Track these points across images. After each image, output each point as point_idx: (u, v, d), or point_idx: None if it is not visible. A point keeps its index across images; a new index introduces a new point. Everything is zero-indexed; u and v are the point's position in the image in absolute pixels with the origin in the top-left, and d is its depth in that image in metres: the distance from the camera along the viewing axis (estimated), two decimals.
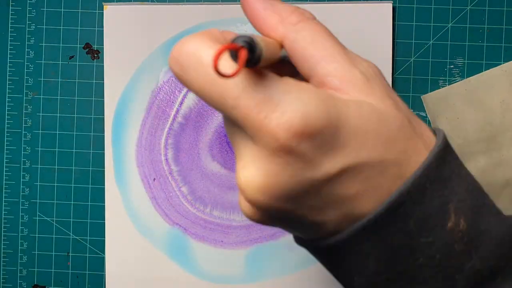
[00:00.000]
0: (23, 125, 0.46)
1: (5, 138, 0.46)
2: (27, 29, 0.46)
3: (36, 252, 0.46)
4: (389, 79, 0.44)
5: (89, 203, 0.46)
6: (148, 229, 0.45)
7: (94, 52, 0.46)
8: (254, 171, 0.19)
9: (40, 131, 0.46)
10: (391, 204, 0.19)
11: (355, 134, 0.19)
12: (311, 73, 0.20)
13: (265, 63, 0.19)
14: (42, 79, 0.46)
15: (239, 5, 0.45)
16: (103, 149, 0.46)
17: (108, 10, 0.45)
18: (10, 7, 0.46)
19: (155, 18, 0.45)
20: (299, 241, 0.24)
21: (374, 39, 0.44)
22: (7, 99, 0.46)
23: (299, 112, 0.18)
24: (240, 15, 0.45)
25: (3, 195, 0.46)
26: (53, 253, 0.46)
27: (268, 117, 0.18)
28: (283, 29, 0.21)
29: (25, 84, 0.46)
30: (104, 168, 0.45)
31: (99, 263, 0.46)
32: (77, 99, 0.46)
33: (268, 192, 0.19)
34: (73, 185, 0.46)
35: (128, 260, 0.45)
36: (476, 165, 0.44)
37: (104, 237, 0.46)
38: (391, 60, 0.44)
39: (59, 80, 0.46)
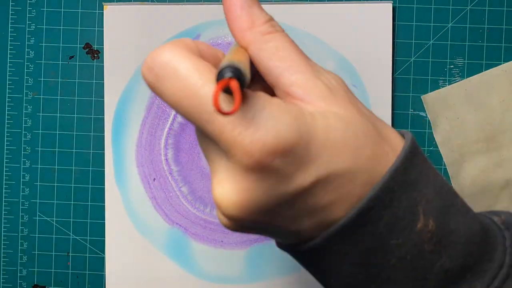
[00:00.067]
0: (23, 125, 0.46)
1: (5, 138, 0.46)
2: (27, 29, 0.46)
3: (36, 252, 0.46)
4: (389, 79, 0.44)
5: (89, 203, 0.46)
6: (148, 229, 0.45)
7: (94, 52, 0.46)
8: (228, 188, 0.19)
9: (40, 131, 0.46)
10: (361, 210, 0.20)
11: (324, 146, 0.19)
12: (275, 83, 0.21)
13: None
14: (42, 79, 0.46)
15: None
16: (103, 149, 0.46)
17: (108, 10, 0.45)
18: (10, 7, 0.46)
19: (155, 18, 0.45)
20: (279, 245, 0.25)
21: (374, 39, 0.44)
22: (7, 99, 0.46)
23: (272, 130, 0.18)
24: None
25: (3, 195, 0.46)
26: (53, 253, 0.46)
27: (242, 134, 0.18)
28: (251, 36, 0.21)
29: (25, 84, 0.46)
30: (104, 168, 0.45)
31: (99, 263, 0.46)
32: (77, 99, 0.46)
33: (243, 208, 0.19)
34: (73, 185, 0.46)
35: (128, 260, 0.45)
36: (476, 165, 0.44)
37: (104, 237, 0.46)
38: (391, 60, 0.44)
39: (59, 80, 0.46)
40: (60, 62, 0.46)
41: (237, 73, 0.17)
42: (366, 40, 0.44)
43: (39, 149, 0.46)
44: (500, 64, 0.44)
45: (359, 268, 0.21)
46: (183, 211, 0.45)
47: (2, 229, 0.47)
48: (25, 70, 0.46)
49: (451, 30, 0.45)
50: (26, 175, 0.46)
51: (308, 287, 0.45)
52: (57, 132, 0.46)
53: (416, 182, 0.21)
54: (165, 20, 0.45)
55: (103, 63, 0.45)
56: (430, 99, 0.44)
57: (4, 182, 0.46)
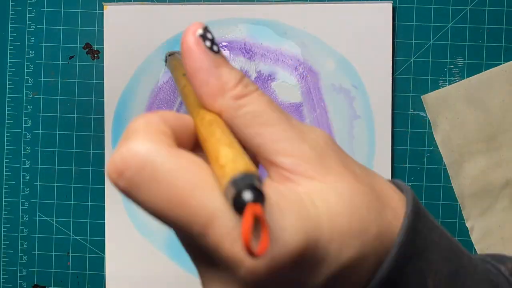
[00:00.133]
0: (23, 125, 0.46)
1: (5, 138, 0.46)
2: (27, 29, 0.46)
3: (36, 252, 0.46)
4: (389, 79, 0.44)
5: (89, 203, 0.46)
6: (148, 229, 0.45)
7: (94, 52, 0.46)
8: None
9: (40, 131, 0.46)
10: None
11: (331, 240, 0.17)
12: (257, 152, 0.19)
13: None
14: (42, 79, 0.46)
15: (239, 5, 0.45)
16: (103, 149, 0.46)
17: (108, 10, 0.45)
18: (10, 7, 0.46)
19: (155, 18, 0.45)
20: None
21: (374, 39, 0.44)
22: (7, 99, 0.46)
23: (278, 243, 0.16)
24: (240, 15, 0.45)
25: (3, 195, 0.46)
26: (53, 253, 0.46)
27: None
28: (223, 102, 0.19)
29: (25, 84, 0.46)
30: (104, 168, 0.45)
31: (99, 263, 0.46)
32: (77, 99, 0.46)
33: None
34: (73, 185, 0.46)
35: (128, 260, 0.45)
36: (476, 165, 0.44)
37: (104, 237, 0.46)
38: (391, 60, 0.44)
39: (59, 80, 0.46)
40: (60, 62, 0.46)
41: (258, 194, 0.14)
42: (366, 40, 0.44)
43: (39, 149, 0.46)
44: (500, 64, 0.44)
45: None
46: None
47: (2, 229, 0.47)
48: (25, 70, 0.46)
49: (451, 30, 0.45)
50: (26, 175, 0.46)
51: None
52: (57, 132, 0.46)
53: (423, 251, 0.19)
54: (165, 20, 0.45)
55: (103, 63, 0.45)
56: (430, 99, 0.44)
57: (4, 182, 0.46)
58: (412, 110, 0.45)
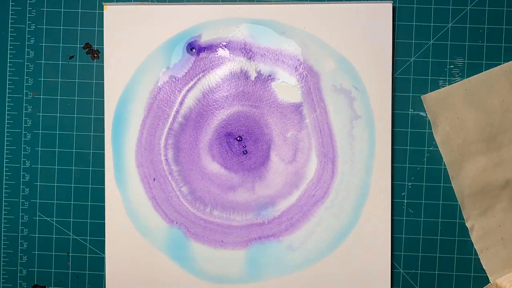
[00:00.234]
0: (23, 125, 0.46)
1: (5, 138, 0.46)
2: (27, 29, 0.46)
3: (36, 252, 0.46)
4: (389, 79, 0.44)
5: (89, 203, 0.46)
6: (148, 229, 0.45)
7: (94, 52, 0.46)
8: None
9: (40, 131, 0.46)
10: None
11: None
12: None
13: None
14: (42, 79, 0.46)
15: (239, 5, 0.45)
16: (103, 149, 0.46)
17: (108, 10, 0.45)
18: (10, 7, 0.46)
19: (155, 18, 0.45)
20: None
21: (374, 39, 0.44)
22: (7, 99, 0.46)
23: None
24: (240, 15, 0.45)
25: (3, 195, 0.46)
26: (53, 253, 0.46)
27: None
28: None
29: (25, 84, 0.46)
30: (104, 168, 0.45)
31: (99, 263, 0.46)
32: (77, 99, 0.46)
33: None
34: (73, 185, 0.46)
35: (128, 260, 0.45)
36: (476, 165, 0.44)
37: (104, 237, 0.46)
38: (391, 60, 0.44)
39: (59, 80, 0.46)
40: (60, 62, 0.46)
41: None
42: (366, 40, 0.44)
43: (39, 149, 0.46)
44: (500, 64, 0.44)
45: None
46: (183, 211, 0.45)
47: (2, 229, 0.47)
48: (25, 70, 0.46)
49: (451, 30, 0.45)
50: (26, 175, 0.46)
51: (307, 287, 0.45)
52: (57, 132, 0.46)
53: None
54: (165, 20, 0.45)
55: (103, 63, 0.45)
56: (430, 99, 0.44)
57: (4, 182, 0.46)
58: (412, 110, 0.45)
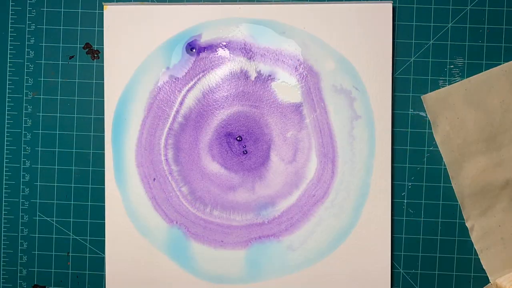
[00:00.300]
0: (23, 125, 0.46)
1: (5, 138, 0.46)
2: (27, 29, 0.46)
3: (36, 252, 0.46)
4: (389, 79, 0.44)
5: (89, 203, 0.46)
6: (148, 229, 0.45)
7: (94, 52, 0.46)
8: None
9: (40, 131, 0.46)
10: None
11: None
12: None
13: None
14: (42, 79, 0.46)
15: (239, 5, 0.45)
16: (103, 149, 0.46)
17: (108, 10, 0.45)
18: (10, 7, 0.46)
19: (155, 18, 0.45)
20: None
21: (374, 39, 0.44)
22: (7, 99, 0.46)
23: None
24: (240, 15, 0.45)
25: (3, 195, 0.46)
26: (53, 253, 0.46)
27: None
28: None
29: (25, 84, 0.46)
30: (104, 168, 0.45)
31: (99, 263, 0.46)
32: (77, 99, 0.46)
33: None
34: (73, 185, 0.46)
35: (128, 260, 0.45)
36: (476, 165, 0.44)
37: (104, 237, 0.46)
38: (391, 60, 0.44)
39: (59, 80, 0.46)
40: (60, 62, 0.46)
41: None
42: (366, 40, 0.44)
43: (39, 149, 0.46)
44: (500, 64, 0.44)
45: None
46: (183, 211, 0.45)
47: (2, 229, 0.47)
48: (25, 70, 0.46)
49: (451, 30, 0.45)
50: (26, 175, 0.46)
51: (307, 287, 0.45)
52: (57, 132, 0.46)
53: None
54: (165, 20, 0.45)
55: (103, 63, 0.45)
56: (430, 99, 0.44)
57: (4, 182, 0.46)
58: (412, 110, 0.45)
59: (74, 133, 0.46)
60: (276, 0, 0.45)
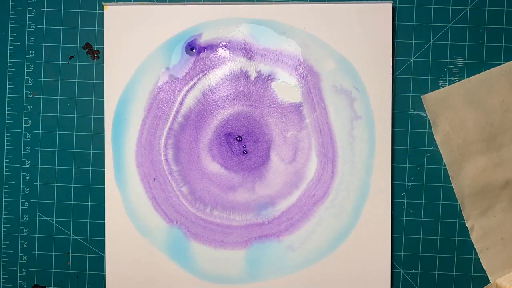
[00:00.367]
0: (23, 125, 0.46)
1: (5, 138, 0.46)
2: (27, 29, 0.46)
3: (36, 252, 0.46)
4: (389, 79, 0.44)
5: (89, 203, 0.46)
6: (148, 229, 0.45)
7: (94, 52, 0.46)
8: None
9: (40, 131, 0.46)
10: None
11: None
12: None
13: None
14: (42, 79, 0.46)
15: (239, 5, 0.45)
16: (103, 149, 0.46)
17: (108, 10, 0.45)
18: (10, 7, 0.46)
19: (155, 18, 0.45)
20: None
21: (374, 39, 0.44)
22: (7, 99, 0.46)
23: None
24: (240, 15, 0.45)
25: (3, 195, 0.46)
26: (53, 253, 0.46)
27: None
28: None
29: (25, 84, 0.46)
30: (104, 168, 0.45)
31: (99, 263, 0.46)
32: (77, 99, 0.46)
33: None
34: (73, 185, 0.46)
35: (128, 260, 0.45)
36: (476, 165, 0.44)
37: (104, 237, 0.46)
38: (391, 60, 0.44)
39: (59, 80, 0.46)
40: (60, 62, 0.46)
41: None
42: (366, 40, 0.44)
43: (39, 149, 0.46)
44: (500, 64, 0.44)
45: None
46: (183, 211, 0.45)
47: (2, 229, 0.47)
48: (25, 70, 0.46)
49: (451, 30, 0.45)
50: (26, 175, 0.46)
51: (307, 287, 0.45)
52: (57, 132, 0.46)
53: None
54: (165, 20, 0.45)
55: (103, 63, 0.45)
56: (430, 99, 0.44)
57: (4, 182, 0.46)
58: (412, 110, 0.45)
59: (74, 133, 0.46)
60: (276, 0, 0.45)
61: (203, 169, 0.45)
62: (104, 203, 0.46)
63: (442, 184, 0.45)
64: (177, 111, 0.45)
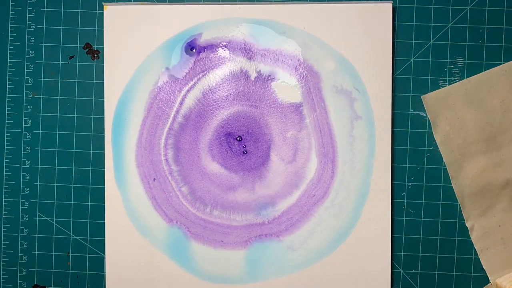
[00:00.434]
0: (23, 125, 0.46)
1: (5, 138, 0.46)
2: (27, 29, 0.46)
3: (36, 252, 0.46)
4: (389, 79, 0.44)
5: (89, 203, 0.46)
6: (148, 229, 0.45)
7: (94, 52, 0.46)
8: None
9: (40, 131, 0.46)
10: None
11: None
12: None
13: None
14: (42, 79, 0.46)
15: (239, 5, 0.45)
16: (103, 149, 0.46)
17: (108, 10, 0.45)
18: (10, 7, 0.46)
19: (155, 18, 0.45)
20: None
21: (374, 39, 0.44)
22: (7, 99, 0.46)
23: None
24: (240, 15, 0.45)
25: (3, 195, 0.46)
26: (53, 253, 0.46)
27: None
28: None
29: (25, 84, 0.46)
30: (104, 168, 0.45)
31: (99, 263, 0.46)
32: (77, 99, 0.46)
33: None
34: (73, 185, 0.46)
35: (128, 260, 0.45)
36: (476, 165, 0.44)
37: (104, 237, 0.46)
38: (391, 60, 0.44)
39: (59, 80, 0.46)
40: (60, 62, 0.46)
41: None
42: (366, 40, 0.44)
43: (39, 149, 0.46)
44: (500, 64, 0.44)
45: None
46: (183, 211, 0.45)
47: (2, 229, 0.47)
48: (25, 70, 0.46)
49: (451, 30, 0.45)
50: (26, 175, 0.46)
51: (307, 287, 0.45)
52: (57, 132, 0.46)
53: None
54: (165, 20, 0.45)
55: (103, 63, 0.45)
56: (430, 99, 0.44)
57: (4, 182, 0.46)
58: (412, 110, 0.45)
59: (74, 133, 0.46)
60: (276, 0, 0.45)
61: (203, 169, 0.45)
62: (104, 203, 0.46)
63: (442, 184, 0.45)
64: (177, 111, 0.45)
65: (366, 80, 0.44)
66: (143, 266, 0.45)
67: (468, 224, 0.45)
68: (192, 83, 0.45)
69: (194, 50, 0.45)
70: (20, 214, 0.46)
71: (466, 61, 0.45)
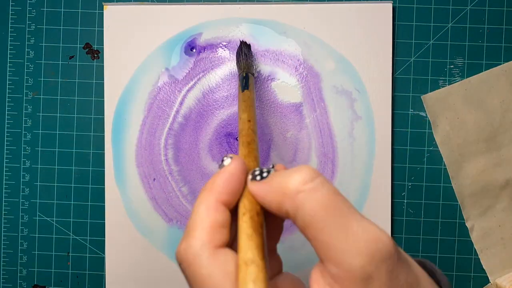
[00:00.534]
0: (23, 125, 0.46)
1: (5, 138, 0.46)
2: (27, 29, 0.46)
3: (36, 252, 0.46)
4: (389, 79, 0.44)
5: (89, 203, 0.46)
6: (148, 229, 0.45)
7: (94, 52, 0.46)
8: None
9: (40, 131, 0.46)
10: None
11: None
12: (314, 246, 0.21)
13: None
14: (42, 79, 0.46)
15: (239, 5, 0.45)
16: (103, 149, 0.46)
17: (108, 10, 0.45)
18: (10, 7, 0.46)
19: (155, 18, 0.45)
20: None
21: (374, 39, 0.44)
22: (7, 99, 0.46)
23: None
24: (240, 15, 0.45)
25: (3, 195, 0.46)
26: (53, 253, 0.46)
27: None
28: (288, 204, 0.22)
29: (25, 84, 0.46)
30: (104, 168, 0.45)
31: (99, 263, 0.46)
32: (77, 99, 0.46)
33: None
34: (73, 185, 0.46)
35: (128, 260, 0.45)
36: (476, 165, 0.44)
37: (104, 237, 0.46)
38: (391, 60, 0.44)
39: (59, 80, 0.46)
40: (60, 62, 0.46)
41: None
42: (366, 40, 0.44)
43: (39, 149, 0.46)
44: (500, 64, 0.44)
45: None
46: (183, 211, 0.45)
47: (2, 229, 0.47)
48: (25, 70, 0.46)
49: (451, 30, 0.45)
50: (26, 175, 0.46)
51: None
52: (57, 132, 0.46)
53: None
54: (165, 20, 0.45)
55: (103, 63, 0.45)
56: (430, 99, 0.44)
57: (4, 182, 0.46)
58: (412, 110, 0.45)
59: (74, 133, 0.46)
60: (276, 0, 0.45)
61: (203, 169, 0.45)
62: (104, 203, 0.46)
63: (442, 184, 0.45)
64: (177, 111, 0.45)
65: (366, 80, 0.44)
66: (143, 266, 0.45)
67: (468, 224, 0.45)
68: (192, 83, 0.45)
69: (194, 50, 0.45)
70: (20, 214, 0.46)
71: (466, 61, 0.45)
